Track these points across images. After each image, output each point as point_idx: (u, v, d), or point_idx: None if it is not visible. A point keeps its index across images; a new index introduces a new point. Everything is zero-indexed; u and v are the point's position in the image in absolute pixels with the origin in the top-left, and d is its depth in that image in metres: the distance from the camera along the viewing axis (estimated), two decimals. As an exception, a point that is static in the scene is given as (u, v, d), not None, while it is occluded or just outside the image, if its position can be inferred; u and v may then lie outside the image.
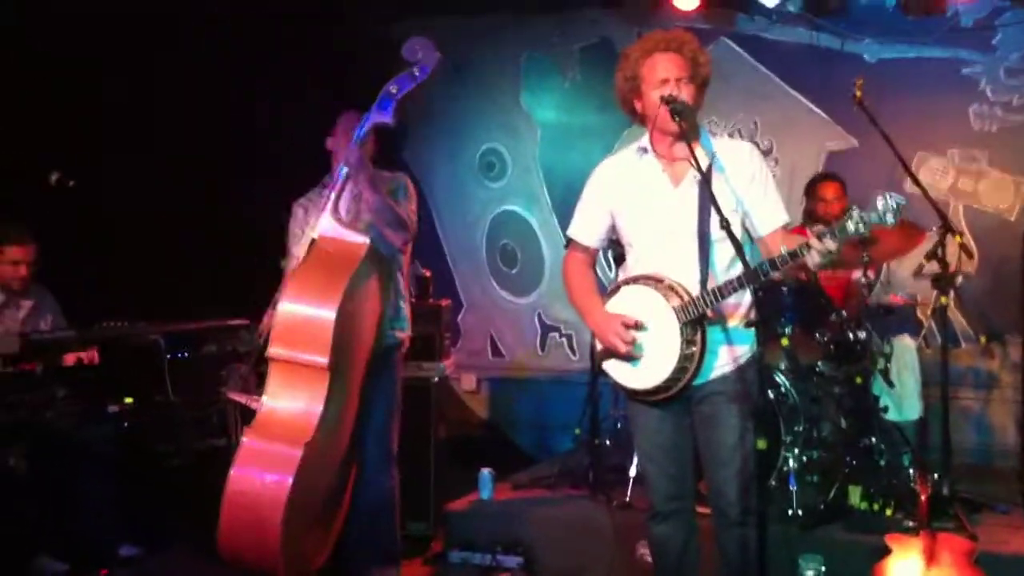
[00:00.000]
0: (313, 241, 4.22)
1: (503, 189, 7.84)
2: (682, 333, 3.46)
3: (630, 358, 3.58)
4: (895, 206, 3.17)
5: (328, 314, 3.98)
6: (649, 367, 3.56)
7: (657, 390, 3.55)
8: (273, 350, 4.06)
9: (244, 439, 4.00)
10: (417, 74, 4.21)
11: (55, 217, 5.31)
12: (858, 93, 5.23)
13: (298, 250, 4.39)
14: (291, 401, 4.03)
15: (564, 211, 7.48)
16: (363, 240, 4.20)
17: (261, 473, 3.90)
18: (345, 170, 4.22)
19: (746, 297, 3.57)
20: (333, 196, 4.24)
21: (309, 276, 4.12)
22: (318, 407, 3.99)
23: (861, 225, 3.21)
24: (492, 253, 7.87)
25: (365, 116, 4.25)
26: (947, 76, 6.59)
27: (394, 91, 4.22)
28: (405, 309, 4.59)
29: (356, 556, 4.39)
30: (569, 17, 7.55)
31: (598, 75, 7.44)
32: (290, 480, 3.86)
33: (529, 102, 7.73)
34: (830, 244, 3.24)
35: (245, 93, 6.43)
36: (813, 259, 3.28)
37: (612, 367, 3.69)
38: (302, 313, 4.03)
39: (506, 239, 7.82)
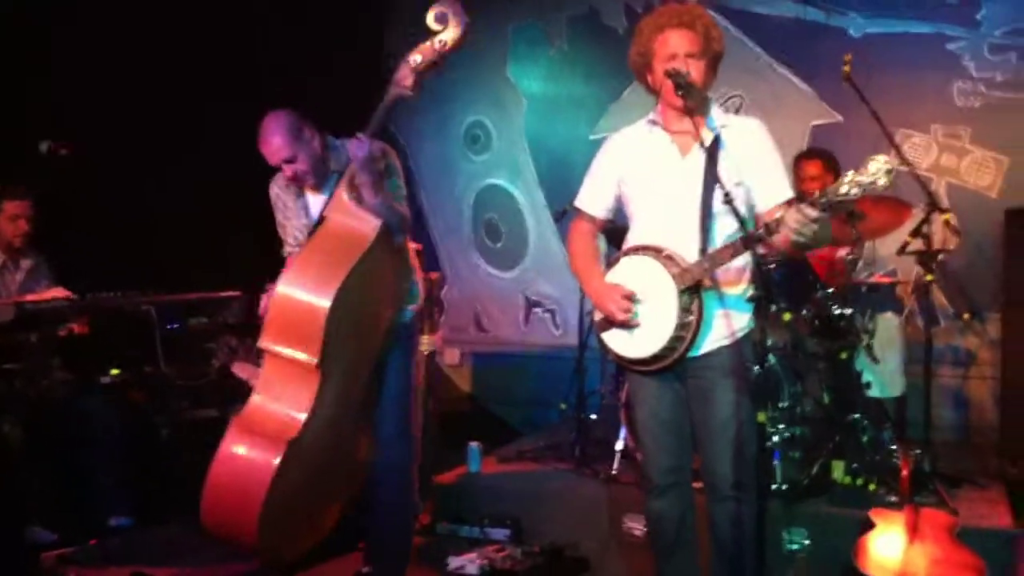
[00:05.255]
0: (322, 219, 4.02)
1: (488, 162, 7.84)
2: (679, 301, 3.48)
3: (628, 327, 3.60)
4: (887, 168, 3.11)
5: (323, 304, 3.81)
6: (646, 336, 3.57)
7: (653, 359, 3.56)
8: (264, 342, 3.94)
9: (230, 427, 3.92)
10: (441, 42, 3.88)
11: (45, 186, 5.31)
12: (847, 69, 5.25)
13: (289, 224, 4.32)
14: (279, 396, 3.93)
15: (549, 184, 7.56)
16: (375, 222, 3.96)
17: (242, 466, 3.85)
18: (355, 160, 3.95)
19: (746, 270, 3.59)
20: (347, 175, 4.00)
21: (310, 260, 3.93)
22: (307, 404, 3.89)
23: (855, 188, 3.13)
24: (477, 227, 7.88)
25: (386, 91, 3.94)
26: (931, 51, 6.61)
27: (417, 62, 3.90)
28: (417, 282, 4.41)
29: (372, 526, 4.34)
30: (558, -13, 7.54)
31: (585, 46, 7.46)
32: (269, 478, 3.79)
33: (516, 73, 7.72)
34: (810, 212, 3.19)
35: (238, 61, 6.38)
36: (790, 227, 3.22)
37: (610, 337, 3.70)
38: (296, 300, 3.85)
39: (491, 213, 7.83)
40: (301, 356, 3.86)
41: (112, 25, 5.93)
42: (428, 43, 3.92)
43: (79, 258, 5.62)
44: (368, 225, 3.96)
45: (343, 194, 4.00)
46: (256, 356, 4.25)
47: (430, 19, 3.91)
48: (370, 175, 3.95)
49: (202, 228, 6.13)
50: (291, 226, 4.34)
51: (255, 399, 3.98)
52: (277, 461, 3.80)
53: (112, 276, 5.35)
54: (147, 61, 6.10)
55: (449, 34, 3.90)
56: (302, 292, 3.87)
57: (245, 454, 3.87)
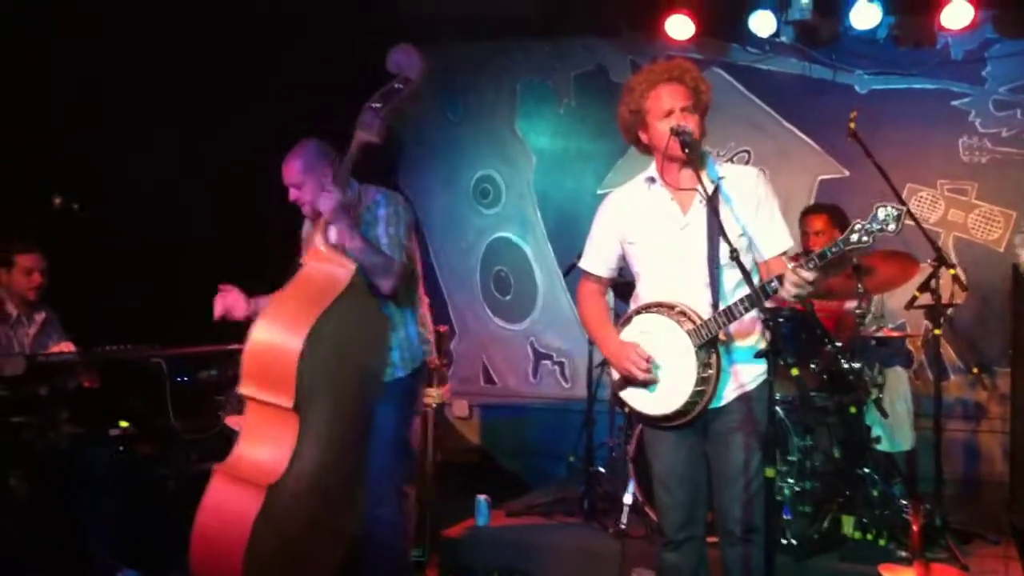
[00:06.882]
0: (300, 265, 4.08)
1: (497, 215, 7.89)
2: (697, 357, 3.51)
3: (647, 385, 3.64)
4: (896, 214, 3.17)
5: (293, 347, 3.80)
6: (667, 392, 3.60)
7: (677, 415, 3.59)
8: (242, 388, 3.98)
9: (214, 475, 3.95)
10: (400, 86, 4.00)
11: (56, 240, 5.35)
12: (852, 125, 5.29)
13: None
14: (261, 442, 3.94)
15: (558, 238, 7.60)
16: (349, 266, 3.98)
17: (225, 514, 3.86)
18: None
19: (758, 321, 3.61)
20: (322, 224, 4.06)
21: (284, 303, 3.97)
22: (287, 449, 3.87)
23: (865, 236, 3.20)
24: (486, 280, 7.90)
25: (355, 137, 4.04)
26: (937, 108, 6.66)
27: (377, 106, 3.99)
28: (425, 335, 4.41)
29: None
30: (565, 44, 7.62)
31: (593, 102, 7.53)
32: (250, 525, 3.79)
33: (524, 128, 7.79)
34: (806, 275, 3.25)
35: (246, 117, 6.43)
36: (788, 291, 3.29)
37: (629, 395, 3.73)
38: (270, 344, 3.87)
39: (500, 266, 7.87)
40: (276, 400, 3.88)
41: (112, 50, 5.95)
42: (389, 88, 4.01)
43: (88, 311, 5.63)
44: (342, 269, 4.00)
45: (319, 241, 4.06)
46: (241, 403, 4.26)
47: (389, 65, 4.02)
48: (342, 223, 4.02)
49: (214, 279, 6.14)
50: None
51: (238, 447, 4.02)
52: (257, 508, 3.81)
53: (120, 329, 5.36)
54: (162, 117, 6.14)
55: (407, 78, 4.00)
56: (274, 335, 3.90)
57: (227, 502, 3.90)
